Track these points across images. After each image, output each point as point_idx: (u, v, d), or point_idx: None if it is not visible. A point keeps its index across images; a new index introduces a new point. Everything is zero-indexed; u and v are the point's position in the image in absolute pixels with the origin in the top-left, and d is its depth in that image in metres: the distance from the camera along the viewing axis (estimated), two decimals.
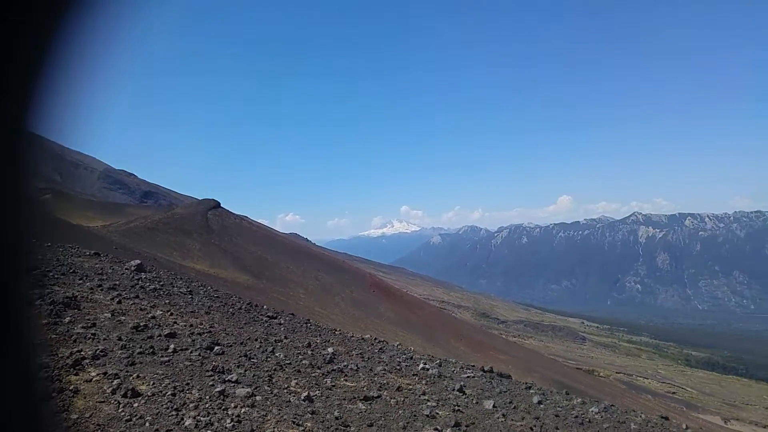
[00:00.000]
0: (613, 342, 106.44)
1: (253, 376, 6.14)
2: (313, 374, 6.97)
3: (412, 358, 9.74)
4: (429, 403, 6.76)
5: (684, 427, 8.57)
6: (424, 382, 7.99)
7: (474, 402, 7.35)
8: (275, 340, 8.39)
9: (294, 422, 5.09)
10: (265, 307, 12.00)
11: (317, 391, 6.28)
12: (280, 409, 5.30)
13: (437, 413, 6.43)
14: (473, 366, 10.24)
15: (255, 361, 6.82)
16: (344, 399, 6.25)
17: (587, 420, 7.45)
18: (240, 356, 6.77)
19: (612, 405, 9.14)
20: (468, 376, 9.02)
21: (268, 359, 7.07)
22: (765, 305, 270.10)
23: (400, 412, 6.20)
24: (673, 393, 56.30)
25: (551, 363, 37.52)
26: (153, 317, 7.38)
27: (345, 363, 7.90)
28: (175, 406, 4.65)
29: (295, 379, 6.55)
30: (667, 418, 9.23)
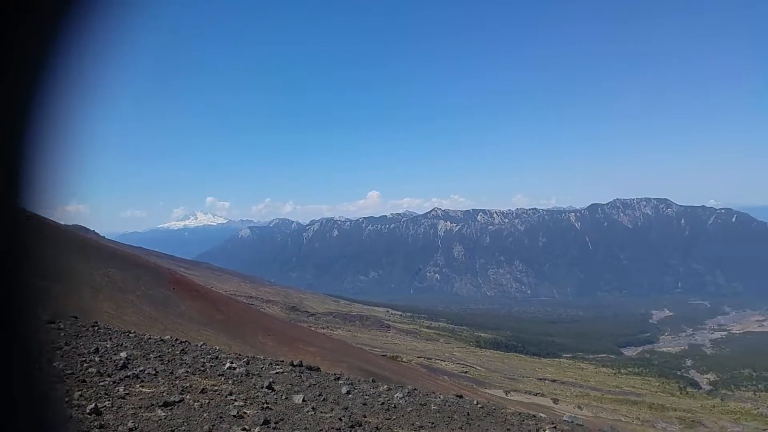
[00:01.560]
0: (414, 328, 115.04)
1: None
2: (102, 383, 6.30)
3: (217, 357, 9.37)
4: (236, 403, 6.58)
5: (475, 402, 9.61)
6: (230, 381, 7.74)
7: (283, 398, 7.35)
8: (54, 348, 7.40)
9: None
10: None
11: (107, 402, 5.70)
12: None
13: (245, 413, 6.29)
14: (282, 361, 10.23)
15: None
16: (140, 407, 5.77)
17: (393, 405, 7.92)
18: None
19: (415, 389, 9.86)
20: (277, 372, 8.98)
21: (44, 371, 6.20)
22: (538, 290, 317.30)
23: (205, 414, 5.93)
24: (466, 372, 62.96)
25: (359, 352, 39.27)
26: None
27: (141, 368, 7.29)
28: None
29: (78, 390, 5.86)
30: (461, 396, 10.25)
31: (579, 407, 53.01)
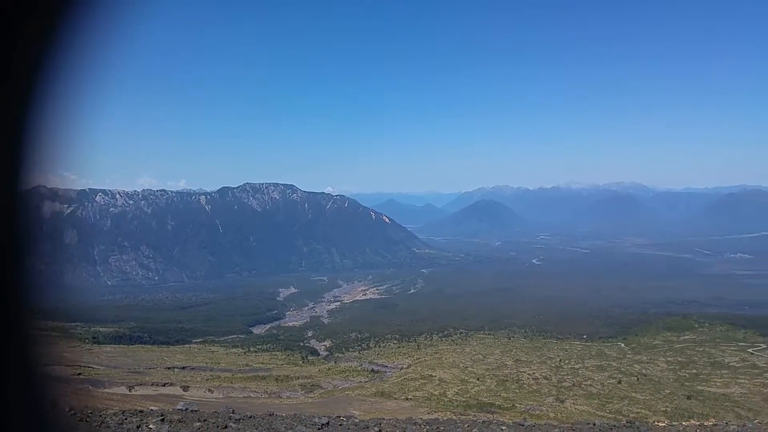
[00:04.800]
0: None
1: None
2: None
3: None
4: None
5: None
6: None
7: None
8: None
9: None
10: None
11: None
12: None
13: None
14: None
15: None
16: None
17: None
18: None
19: None
20: None
21: None
22: (167, 276, 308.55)
23: None
24: (80, 374, 56.68)
25: None
26: None
27: None
28: None
29: None
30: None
31: (209, 390, 53.95)
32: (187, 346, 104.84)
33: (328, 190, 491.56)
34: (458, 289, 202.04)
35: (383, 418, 16.19)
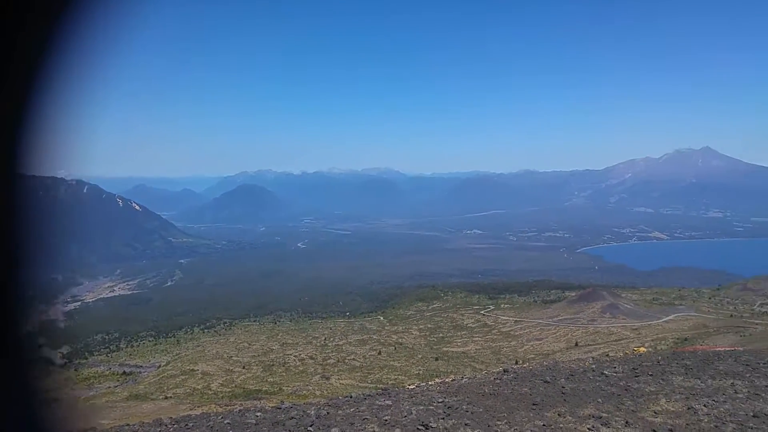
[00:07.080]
0: None
1: None
2: None
3: None
4: None
5: None
6: None
7: None
8: None
9: None
10: None
11: None
12: None
13: None
14: None
15: None
16: None
17: None
18: None
19: None
20: None
21: None
22: None
23: None
24: None
25: None
26: None
27: None
28: None
29: None
30: None
31: None
32: None
33: (62, 174, 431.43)
34: (220, 278, 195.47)
35: (127, 424, 13.25)
